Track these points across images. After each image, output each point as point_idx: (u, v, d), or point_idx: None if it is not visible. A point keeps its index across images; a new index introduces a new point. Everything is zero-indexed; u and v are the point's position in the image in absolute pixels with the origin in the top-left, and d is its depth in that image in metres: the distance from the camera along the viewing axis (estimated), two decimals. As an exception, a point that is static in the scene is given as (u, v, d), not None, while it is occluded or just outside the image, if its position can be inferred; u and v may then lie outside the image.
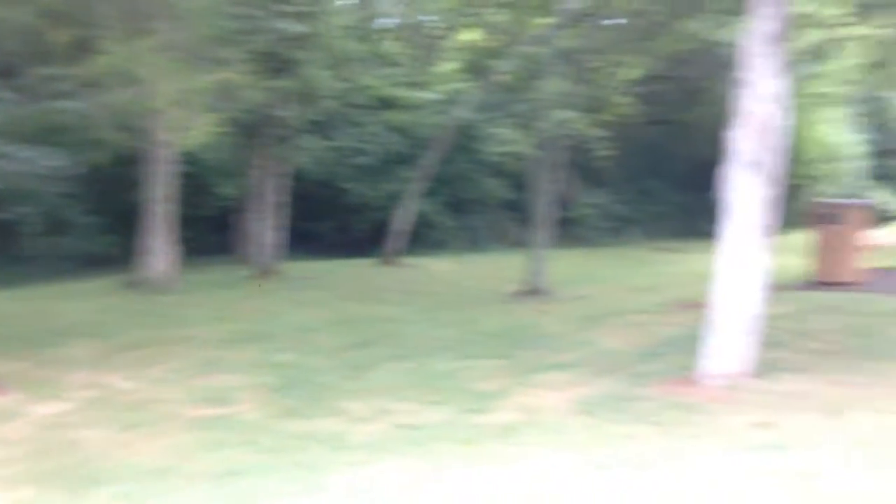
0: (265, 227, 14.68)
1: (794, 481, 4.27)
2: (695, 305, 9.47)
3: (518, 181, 18.76)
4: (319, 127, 17.75)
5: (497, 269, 16.12)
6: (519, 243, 18.68)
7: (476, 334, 9.71)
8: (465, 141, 19.19)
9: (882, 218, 20.86)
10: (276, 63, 13.49)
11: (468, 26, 19.33)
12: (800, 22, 14.18)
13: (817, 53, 16.01)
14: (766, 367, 6.56)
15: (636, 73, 17.99)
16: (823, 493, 4.10)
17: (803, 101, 20.82)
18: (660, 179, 22.67)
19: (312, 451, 5.37)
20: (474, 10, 17.47)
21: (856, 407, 5.59)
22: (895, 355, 7.18)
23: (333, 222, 18.83)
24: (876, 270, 12.40)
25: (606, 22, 14.77)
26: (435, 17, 21.06)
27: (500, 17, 17.19)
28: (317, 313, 11.00)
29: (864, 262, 11.88)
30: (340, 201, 18.56)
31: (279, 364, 8.03)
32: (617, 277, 14.70)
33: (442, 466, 4.85)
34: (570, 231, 20.39)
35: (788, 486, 4.21)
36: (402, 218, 16.82)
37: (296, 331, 9.75)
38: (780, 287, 10.68)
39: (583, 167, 19.74)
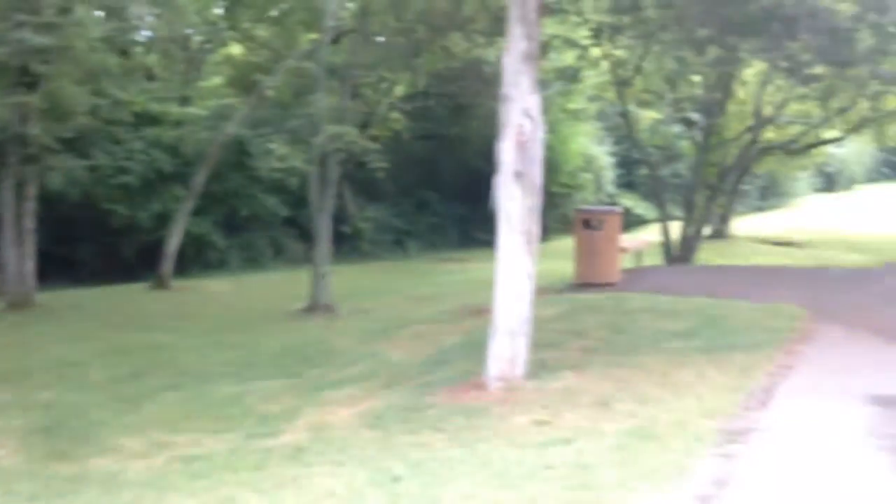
0: (18, 254, 13.34)
1: (573, 472, 4.53)
2: (478, 312, 9.84)
3: (296, 197, 18.56)
4: (75, 145, 16.49)
5: (279, 287, 15.82)
6: (300, 260, 18.48)
7: (260, 355, 9.44)
8: (238, 157, 18.69)
9: (631, 222, 22.86)
10: (18, 77, 12.38)
11: (233, 40, 18.89)
12: (555, 42, 15.32)
13: (572, 71, 17.31)
14: (541, 367, 6.93)
15: (406, 88, 18.46)
16: (598, 482, 4.38)
17: (562, 116, 22.47)
18: (436, 192, 23.38)
19: (84, 495, 4.95)
20: (238, 24, 17.11)
21: (621, 399, 6.04)
22: (651, 348, 7.83)
23: (97, 246, 17.56)
24: (628, 271, 13.54)
25: (375, 39, 15.02)
26: (194, 31, 20.28)
27: (266, 31, 16.97)
28: (82, 345, 10.18)
29: (619, 264, 12.92)
30: (104, 224, 17.34)
31: (41, 403, 7.33)
32: (400, 289, 14.93)
33: (229, 497, 4.65)
34: (351, 246, 20.49)
35: (568, 477, 4.47)
36: (174, 239, 16.03)
37: (59, 366, 8.95)
38: (548, 290, 11.38)
39: (359, 182, 19.92)
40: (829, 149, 27.83)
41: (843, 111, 18.35)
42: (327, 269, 13.08)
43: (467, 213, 22.11)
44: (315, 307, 12.70)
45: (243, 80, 18.58)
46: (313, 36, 15.49)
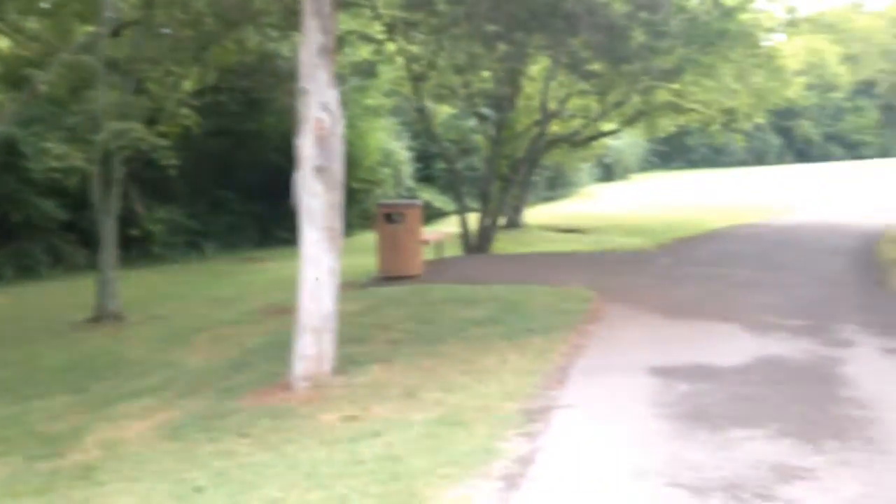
0: None
1: (383, 465, 4.53)
2: (281, 311, 9.61)
3: (76, 199, 17.23)
4: None
5: (60, 297, 14.65)
6: (83, 267, 17.22)
7: (40, 371, 8.69)
8: (8, 158, 17.07)
9: (430, 215, 23.33)
10: None
11: (-1, 32, 17.24)
12: (350, 37, 15.29)
13: (368, 66, 17.34)
14: (348, 363, 6.88)
15: (196, 83, 17.67)
16: (408, 472, 4.42)
17: (361, 111, 22.48)
18: (231, 190, 22.56)
19: None
20: (4, 15, 15.62)
21: (428, 388, 6.13)
22: (455, 337, 7.99)
23: None
24: (430, 262, 13.80)
25: (160, 31, 14.24)
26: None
27: (37, 24, 15.62)
28: None
29: (421, 256, 13.13)
30: None
31: None
32: (197, 292, 14.29)
33: (10, 529, 4.23)
34: (141, 250, 19.35)
35: (379, 470, 4.46)
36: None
37: None
38: (352, 285, 11.35)
39: (148, 182, 18.84)
40: (607, 140, 29.84)
41: (618, 105, 19.72)
42: (114, 275, 12.27)
43: (266, 210, 21.54)
44: (102, 316, 11.88)
45: (12, 76, 16.99)
46: (91, 28, 14.43)
